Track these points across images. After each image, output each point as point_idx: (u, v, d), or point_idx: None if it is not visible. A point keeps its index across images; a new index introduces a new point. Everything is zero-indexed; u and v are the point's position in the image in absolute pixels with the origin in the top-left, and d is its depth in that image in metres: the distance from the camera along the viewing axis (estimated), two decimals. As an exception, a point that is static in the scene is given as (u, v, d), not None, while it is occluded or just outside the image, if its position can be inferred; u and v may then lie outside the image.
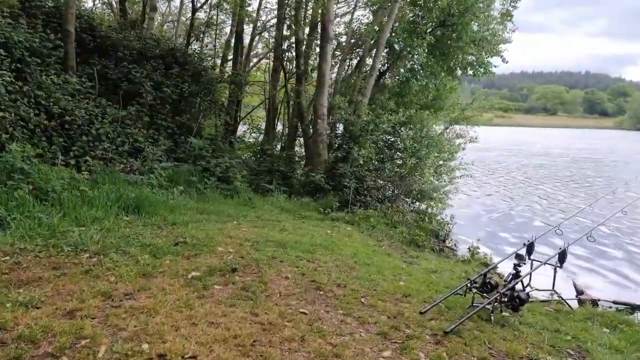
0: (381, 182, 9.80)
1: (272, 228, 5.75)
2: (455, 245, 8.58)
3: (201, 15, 13.01)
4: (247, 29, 12.61)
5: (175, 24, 15.35)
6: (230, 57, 11.93)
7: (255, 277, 3.69)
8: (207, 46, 11.72)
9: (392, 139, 10.08)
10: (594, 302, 5.12)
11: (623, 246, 9.11)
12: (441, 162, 11.09)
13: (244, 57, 11.86)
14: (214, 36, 12.56)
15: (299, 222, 6.72)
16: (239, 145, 11.49)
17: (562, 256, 4.00)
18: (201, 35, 11.16)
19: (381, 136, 9.51)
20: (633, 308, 5.21)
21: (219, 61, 12.21)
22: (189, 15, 10.80)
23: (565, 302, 4.30)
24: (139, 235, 4.28)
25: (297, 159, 10.84)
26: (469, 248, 7.41)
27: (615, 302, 5.38)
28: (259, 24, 12.67)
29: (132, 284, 3.16)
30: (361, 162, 8.96)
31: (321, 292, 3.58)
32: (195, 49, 10.46)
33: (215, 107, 10.18)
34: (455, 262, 6.34)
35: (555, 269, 4.13)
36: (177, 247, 4.18)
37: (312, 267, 4.22)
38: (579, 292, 5.48)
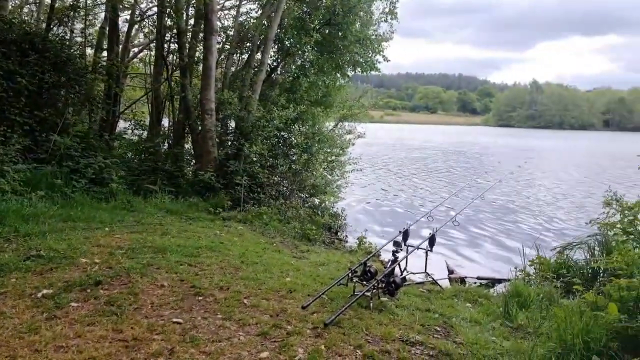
0: (276, 178, 9.75)
1: (153, 232, 5.30)
2: (346, 236, 8.93)
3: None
4: (126, 16, 11.48)
5: (37, 7, 13.30)
6: (106, 45, 10.71)
7: (124, 289, 3.31)
8: (72, 32, 10.32)
9: (286, 135, 10.08)
10: (462, 280, 5.75)
11: (482, 227, 10.47)
12: (333, 157, 11.48)
13: (120, 46, 10.74)
14: (85, 22, 11.14)
15: (186, 224, 6.31)
16: (120, 143, 10.42)
17: (431, 240, 4.36)
18: (66, 20, 9.77)
19: (273, 132, 9.44)
20: (493, 282, 5.97)
21: (94, 50, 10.88)
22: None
23: (436, 282, 4.71)
24: (-27, 252, 3.56)
25: (187, 157, 10.22)
26: (357, 238, 7.77)
27: (479, 278, 6.12)
28: (137, 11, 11.59)
29: (-45, 314, 2.60)
30: (253, 158, 8.79)
31: (200, 298, 3.37)
32: (59, 34, 9.12)
33: (87, 100, 9.05)
34: (343, 254, 6.55)
35: (426, 253, 4.49)
36: (27, 262, 3.58)
37: (193, 272, 3.95)
38: (450, 272, 6.09)
